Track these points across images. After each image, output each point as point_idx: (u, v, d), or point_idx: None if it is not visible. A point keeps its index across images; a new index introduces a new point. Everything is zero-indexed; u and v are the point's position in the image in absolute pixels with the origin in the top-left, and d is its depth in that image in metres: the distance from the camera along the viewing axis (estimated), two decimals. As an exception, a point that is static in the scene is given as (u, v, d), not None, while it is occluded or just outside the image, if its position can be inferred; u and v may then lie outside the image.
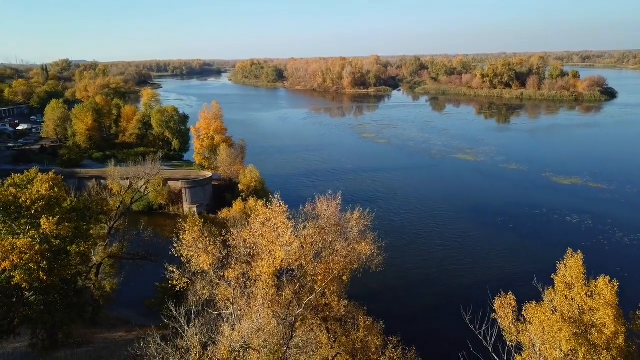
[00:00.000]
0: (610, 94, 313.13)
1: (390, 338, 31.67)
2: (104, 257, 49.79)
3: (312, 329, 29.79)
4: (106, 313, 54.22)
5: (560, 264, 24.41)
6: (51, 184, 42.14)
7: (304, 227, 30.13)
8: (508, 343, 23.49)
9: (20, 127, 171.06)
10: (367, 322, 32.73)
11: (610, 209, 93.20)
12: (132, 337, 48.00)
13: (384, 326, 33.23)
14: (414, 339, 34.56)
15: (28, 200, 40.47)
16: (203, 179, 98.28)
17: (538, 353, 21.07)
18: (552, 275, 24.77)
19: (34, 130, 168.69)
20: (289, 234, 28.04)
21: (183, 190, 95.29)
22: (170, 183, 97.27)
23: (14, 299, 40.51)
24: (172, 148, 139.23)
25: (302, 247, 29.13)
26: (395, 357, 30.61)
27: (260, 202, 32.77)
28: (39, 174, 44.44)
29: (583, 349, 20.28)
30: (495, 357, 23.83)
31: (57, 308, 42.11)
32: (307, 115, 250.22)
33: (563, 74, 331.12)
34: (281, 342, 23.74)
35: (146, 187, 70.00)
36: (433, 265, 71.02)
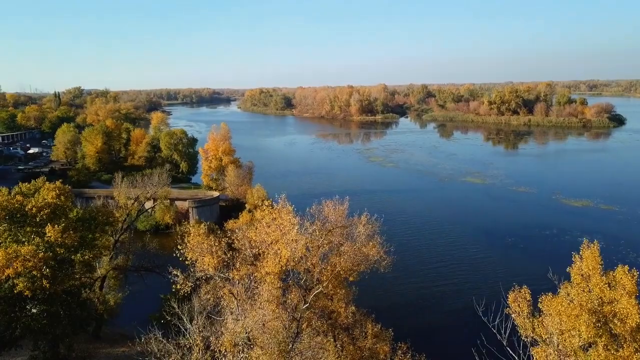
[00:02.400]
0: (618, 121, 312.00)
1: (400, 344, 30.67)
2: (109, 270, 49.23)
3: (318, 334, 28.86)
4: (110, 328, 53.38)
5: (575, 256, 23.58)
6: (58, 192, 41.93)
7: (310, 224, 29.55)
8: (523, 338, 22.47)
9: (31, 151, 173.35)
10: (375, 330, 31.76)
11: (622, 231, 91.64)
12: (135, 352, 47.06)
13: (392, 333, 32.25)
14: (424, 346, 33.45)
15: (34, 208, 40.19)
16: (210, 198, 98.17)
17: (556, 343, 20.09)
18: (568, 269, 23.92)
19: (44, 154, 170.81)
20: (295, 231, 27.48)
21: (190, 210, 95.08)
22: (177, 203, 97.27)
23: (17, 309, 39.94)
24: (180, 170, 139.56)
25: (309, 249, 28.51)
26: (404, 364, 29.58)
27: (266, 202, 32.22)
28: (47, 182, 44.33)
29: (603, 339, 19.32)
30: (510, 352, 22.77)
31: (60, 320, 41.47)
32: (315, 141, 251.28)
33: (570, 101, 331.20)
34: (287, 340, 22.97)
35: (153, 202, 69.77)
36: (441, 278, 71.14)
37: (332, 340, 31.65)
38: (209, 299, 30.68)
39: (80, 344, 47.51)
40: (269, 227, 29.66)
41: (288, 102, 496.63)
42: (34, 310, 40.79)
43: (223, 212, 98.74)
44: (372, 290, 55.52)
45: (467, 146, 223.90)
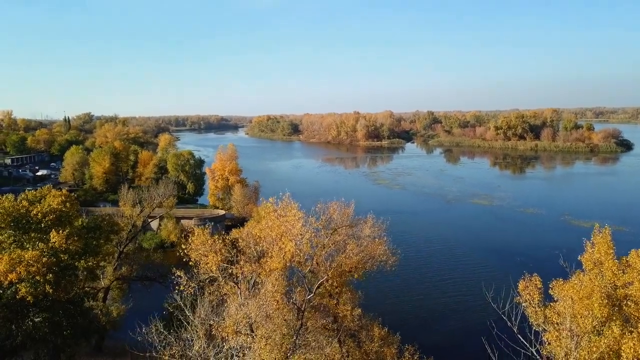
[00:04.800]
0: (626, 146, 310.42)
1: (407, 347, 29.87)
2: (113, 280, 48.79)
3: (322, 333, 28.20)
4: (112, 341, 52.63)
5: (587, 242, 22.97)
6: (63, 199, 41.96)
7: (315, 221, 29.21)
8: (535, 327, 21.71)
9: (39, 173, 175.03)
10: (382, 333, 31.02)
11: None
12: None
13: (400, 337, 31.47)
14: (431, 348, 32.61)
15: (39, 214, 40.19)
16: (216, 216, 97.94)
17: (568, 326, 19.36)
18: (579, 257, 23.29)
19: (52, 176, 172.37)
20: (300, 225, 27.15)
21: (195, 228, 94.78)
22: (183, 221, 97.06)
23: (19, 316, 39.45)
24: (186, 191, 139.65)
25: (313, 247, 28.11)
26: (412, 366, 28.73)
27: (271, 199, 31.97)
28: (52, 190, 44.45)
29: (617, 322, 18.63)
30: (522, 340, 22.01)
31: (61, 329, 40.89)
32: (321, 164, 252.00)
33: (577, 126, 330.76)
34: (291, 332, 22.39)
35: (159, 219, 69.58)
36: (445, 289, 71.92)
37: (337, 345, 30.90)
38: (213, 300, 30.19)
39: (81, 356, 46.77)
40: (273, 222, 29.37)
41: (295, 128, 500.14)
42: (36, 319, 40.30)
43: (229, 230, 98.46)
44: (378, 297, 54.84)
45: (473, 170, 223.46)
